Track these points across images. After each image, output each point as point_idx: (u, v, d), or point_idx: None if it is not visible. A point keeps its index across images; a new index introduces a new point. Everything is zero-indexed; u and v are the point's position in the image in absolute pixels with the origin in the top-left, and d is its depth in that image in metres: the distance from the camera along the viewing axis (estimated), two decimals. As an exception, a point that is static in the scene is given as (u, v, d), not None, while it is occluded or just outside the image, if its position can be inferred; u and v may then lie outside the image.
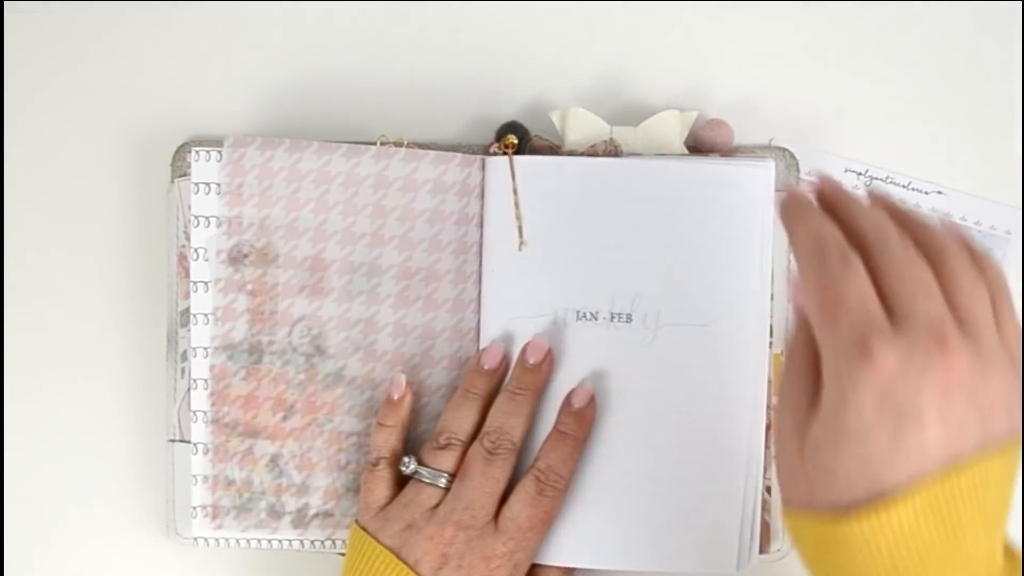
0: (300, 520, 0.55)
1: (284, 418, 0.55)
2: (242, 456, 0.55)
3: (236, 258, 0.55)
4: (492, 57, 0.59)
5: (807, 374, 0.39)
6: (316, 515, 0.55)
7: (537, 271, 0.54)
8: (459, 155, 0.55)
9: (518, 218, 0.54)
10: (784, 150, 0.57)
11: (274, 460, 0.55)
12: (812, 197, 0.41)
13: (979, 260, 0.39)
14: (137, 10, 0.59)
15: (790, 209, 0.40)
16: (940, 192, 0.59)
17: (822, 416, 0.37)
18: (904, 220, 0.39)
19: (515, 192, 0.54)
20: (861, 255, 0.38)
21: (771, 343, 0.55)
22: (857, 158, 0.59)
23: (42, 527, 0.59)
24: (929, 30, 0.59)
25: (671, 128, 0.56)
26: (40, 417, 0.59)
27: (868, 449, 0.35)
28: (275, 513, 0.55)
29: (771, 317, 0.54)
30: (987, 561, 0.37)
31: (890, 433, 0.35)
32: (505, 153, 0.54)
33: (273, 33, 0.59)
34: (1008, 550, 0.39)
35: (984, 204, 0.59)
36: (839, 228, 0.39)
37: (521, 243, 0.54)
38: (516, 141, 0.55)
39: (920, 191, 0.58)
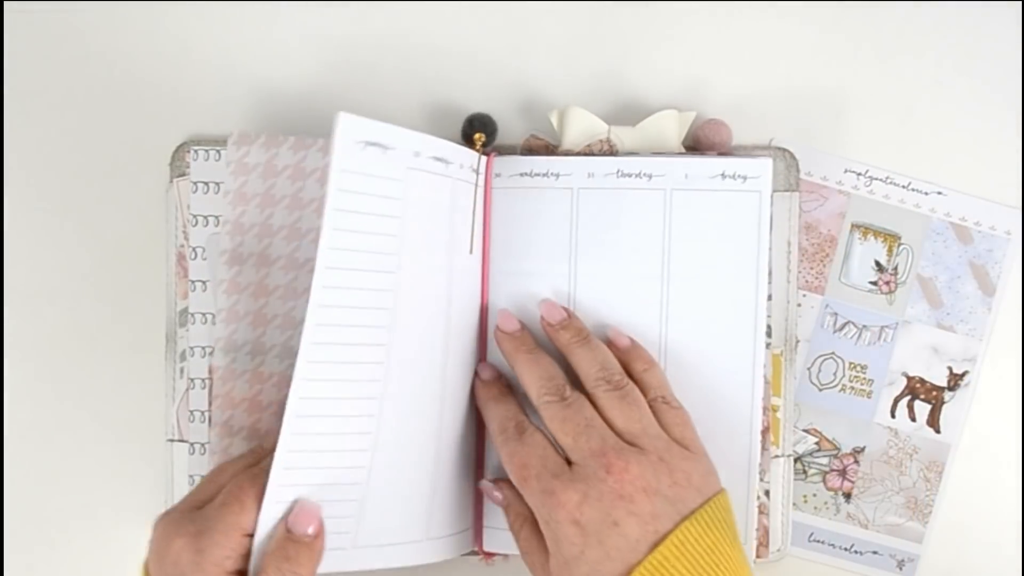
0: None
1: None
2: None
3: (239, 259, 0.55)
4: (491, 57, 0.59)
5: (534, 535, 0.49)
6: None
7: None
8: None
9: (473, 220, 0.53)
10: (784, 150, 0.57)
11: None
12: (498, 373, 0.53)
13: (643, 372, 0.51)
14: (136, 10, 0.60)
15: (479, 391, 0.53)
16: (940, 192, 0.58)
17: (553, 560, 0.46)
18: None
19: (478, 191, 0.53)
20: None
21: (768, 343, 0.55)
22: (857, 158, 0.59)
23: (42, 527, 0.59)
24: (929, 30, 0.59)
25: (669, 128, 0.55)
26: (39, 417, 0.59)
27: (591, 564, 0.44)
28: None
29: (769, 317, 0.54)
30: None
31: (598, 546, 0.44)
32: (478, 150, 0.54)
33: (271, 33, 0.59)
34: None
35: (984, 204, 0.58)
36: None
37: (471, 247, 0.53)
38: (485, 138, 0.54)
39: (920, 191, 0.58)
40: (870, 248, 0.58)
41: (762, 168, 0.53)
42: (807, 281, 0.58)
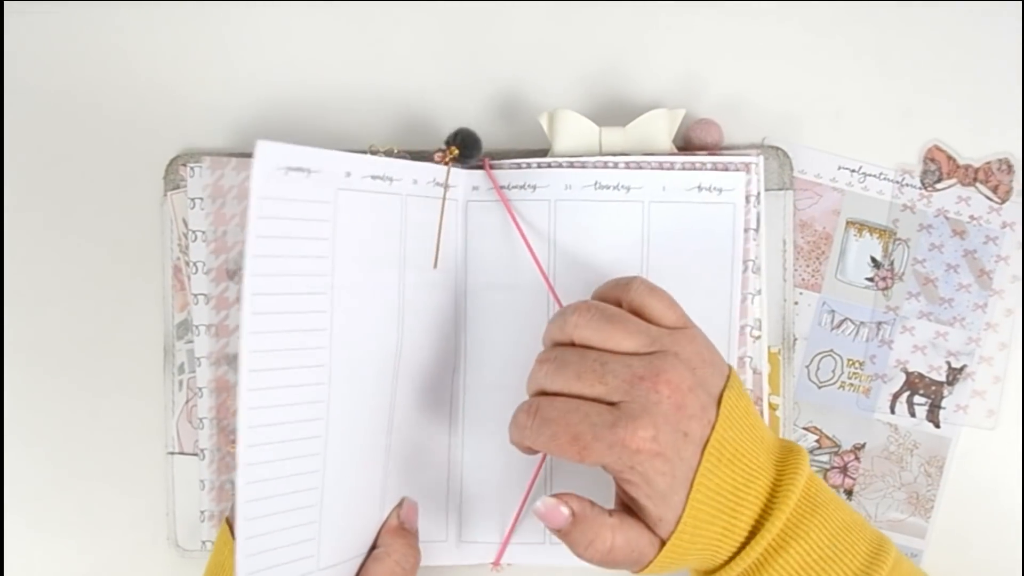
0: None
1: None
2: None
3: (227, 274, 0.56)
4: (480, 60, 0.59)
5: (628, 522, 0.46)
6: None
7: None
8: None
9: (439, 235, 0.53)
10: (777, 149, 0.57)
11: None
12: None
13: (611, 289, 0.49)
14: (130, 22, 0.60)
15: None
16: (934, 187, 0.58)
17: (649, 504, 0.44)
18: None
19: (442, 204, 0.53)
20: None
21: (759, 336, 0.55)
22: (850, 156, 0.58)
23: (42, 538, 0.59)
24: (924, 27, 0.59)
25: (660, 128, 0.55)
26: (39, 430, 0.59)
27: (681, 480, 0.44)
28: None
29: (765, 312, 0.54)
30: (768, 445, 0.47)
31: (680, 461, 0.44)
32: (445, 163, 0.53)
33: (265, 44, 0.60)
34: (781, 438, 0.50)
35: (978, 198, 0.58)
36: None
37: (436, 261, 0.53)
38: (456, 152, 0.54)
39: (913, 186, 0.58)
40: (865, 244, 0.58)
41: (736, 181, 0.54)
42: (803, 279, 0.58)
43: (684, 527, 0.44)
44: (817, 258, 0.58)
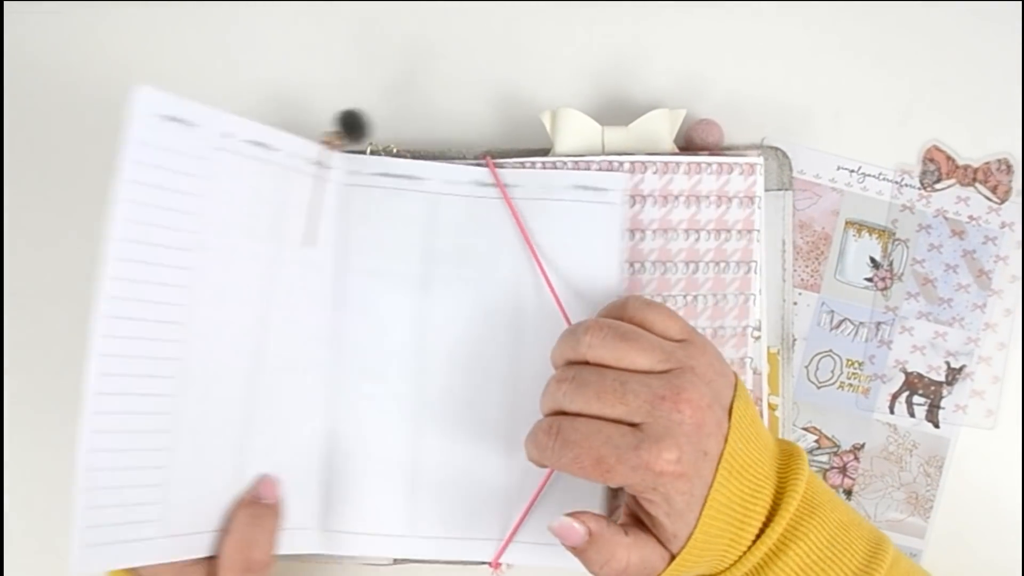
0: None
1: None
2: None
3: None
4: (482, 59, 0.59)
5: (641, 534, 0.46)
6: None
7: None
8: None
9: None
10: (776, 149, 0.57)
11: None
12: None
13: (607, 310, 0.49)
14: (130, 23, 0.59)
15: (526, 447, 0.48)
16: (934, 187, 0.58)
17: (665, 521, 0.45)
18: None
19: (327, 185, 0.53)
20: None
21: (757, 336, 0.55)
22: (850, 156, 0.59)
23: (43, 535, 0.59)
24: (923, 27, 0.59)
25: (661, 127, 0.55)
26: (40, 430, 0.59)
27: (697, 497, 0.44)
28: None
29: (764, 313, 0.54)
30: (771, 451, 0.47)
31: (699, 479, 0.44)
32: (328, 144, 0.53)
33: (265, 44, 0.59)
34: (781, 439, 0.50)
35: (978, 199, 0.58)
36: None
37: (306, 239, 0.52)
38: (341, 133, 0.54)
39: (912, 187, 0.58)
40: (864, 245, 0.58)
41: (617, 181, 0.54)
42: (802, 279, 0.59)
43: (695, 542, 0.44)
44: (816, 258, 0.59)
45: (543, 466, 0.46)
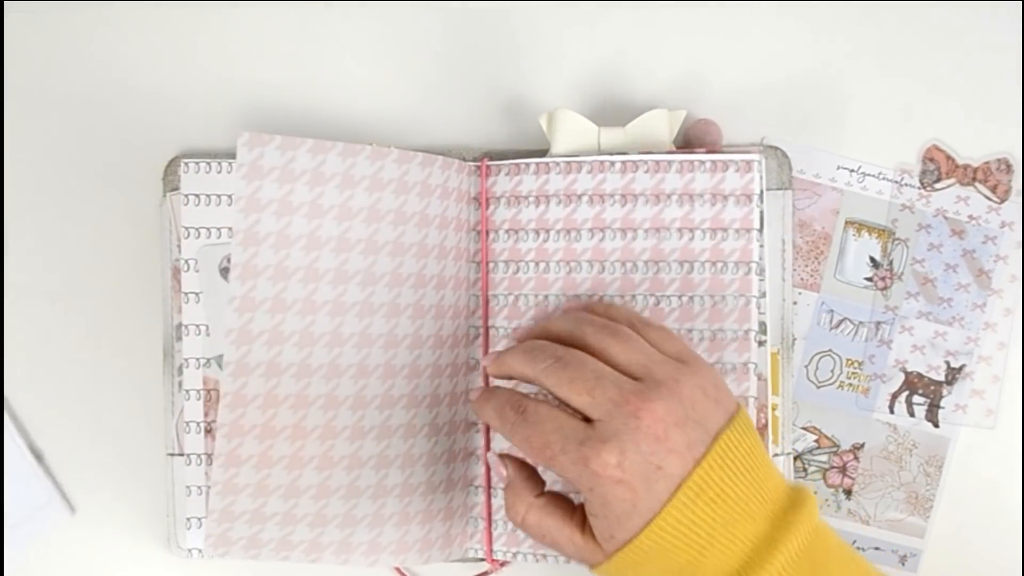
0: (314, 548, 0.53)
1: (302, 446, 0.52)
2: (255, 487, 0.52)
3: (252, 272, 0.51)
4: (479, 60, 0.59)
5: (553, 507, 0.48)
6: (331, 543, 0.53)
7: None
8: (441, 158, 0.54)
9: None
10: (776, 148, 0.57)
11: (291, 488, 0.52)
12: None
13: (606, 312, 0.50)
14: (129, 23, 0.60)
15: (473, 407, 0.50)
16: (933, 187, 0.58)
17: (598, 522, 0.45)
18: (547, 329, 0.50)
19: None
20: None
21: (762, 341, 0.54)
22: (849, 155, 0.59)
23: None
24: (923, 27, 0.59)
25: (660, 128, 0.55)
26: (40, 430, 0.59)
27: (642, 513, 0.43)
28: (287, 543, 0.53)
29: (765, 314, 0.54)
30: (768, 492, 0.45)
31: (647, 493, 0.43)
32: None
33: (265, 45, 0.60)
34: (792, 487, 0.46)
35: (978, 198, 0.58)
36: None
37: None
38: None
39: (912, 186, 0.58)
40: (864, 244, 0.58)
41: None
42: (802, 279, 0.58)
43: (633, 550, 0.44)
44: (816, 258, 0.59)
45: (497, 432, 0.48)
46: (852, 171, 0.58)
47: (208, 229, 0.56)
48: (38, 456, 0.59)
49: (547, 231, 0.55)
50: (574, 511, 0.48)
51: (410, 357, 0.54)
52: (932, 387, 0.58)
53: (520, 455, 0.50)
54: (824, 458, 0.58)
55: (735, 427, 0.45)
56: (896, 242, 0.58)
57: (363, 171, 0.52)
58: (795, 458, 0.58)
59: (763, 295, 0.54)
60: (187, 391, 0.56)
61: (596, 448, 0.43)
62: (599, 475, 0.43)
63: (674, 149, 0.56)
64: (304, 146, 0.51)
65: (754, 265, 0.54)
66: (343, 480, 0.52)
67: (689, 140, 0.56)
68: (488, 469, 0.55)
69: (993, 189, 0.58)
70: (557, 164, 0.55)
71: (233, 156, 0.52)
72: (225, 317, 0.51)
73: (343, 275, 0.52)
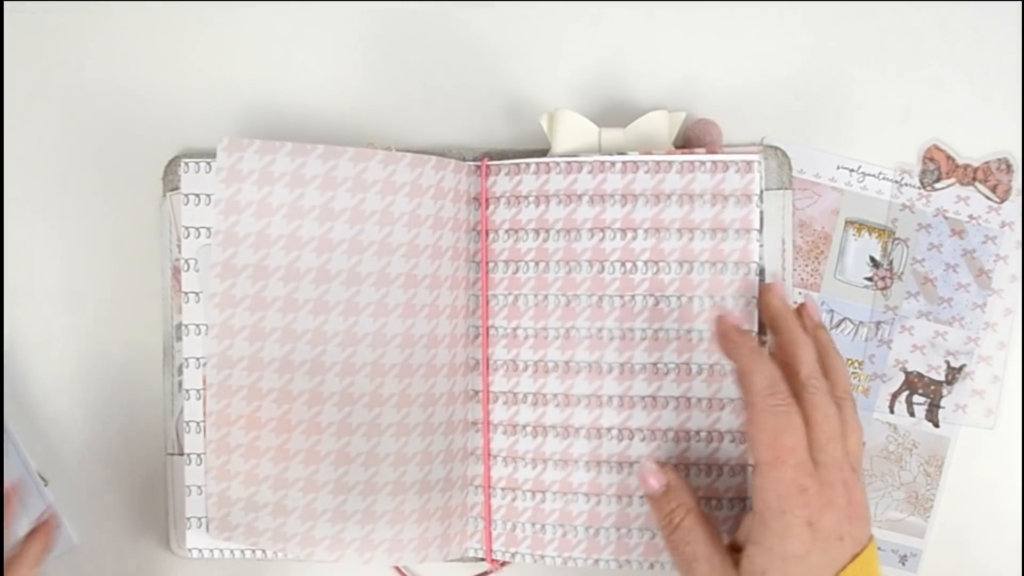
0: (308, 541, 0.54)
1: (287, 439, 0.53)
2: (245, 475, 0.54)
3: (232, 271, 0.53)
4: (480, 60, 0.59)
5: (700, 526, 0.48)
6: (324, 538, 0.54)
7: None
8: (434, 158, 0.54)
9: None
10: (776, 148, 0.57)
11: (279, 480, 0.53)
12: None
13: (827, 357, 0.50)
14: (129, 23, 0.60)
15: (731, 336, 0.50)
16: (933, 187, 0.58)
17: (758, 550, 0.45)
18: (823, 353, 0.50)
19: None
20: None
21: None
22: (849, 155, 0.59)
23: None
24: (923, 27, 0.59)
25: (660, 129, 0.55)
26: (40, 430, 0.59)
27: (811, 568, 0.45)
28: (281, 535, 0.54)
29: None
30: None
31: (823, 553, 0.45)
32: None
33: (264, 45, 0.60)
34: None
35: (977, 198, 0.58)
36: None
37: None
38: None
39: (912, 186, 0.58)
40: (864, 244, 0.58)
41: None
42: (802, 279, 0.58)
43: None
44: (816, 258, 0.59)
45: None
46: (852, 171, 0.58)
47: (208, 229, 0.56)
48: (44, 480, 0.59)
49: (547, 231, 0.55)
50: (717, 531, 0.49)
51: (401, 356, 0.54)
52: (932, 387, 0.58)
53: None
54: (824, 458, 0.58)
55: (866, 554, 0.46)
56: (896, 242, 0.58)
57: (345, 172, 0.53)
58: (795, 458, 0.58)
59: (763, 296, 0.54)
60: (187, 391, 0.56)
61: (816, 485, 0.45)
62: (803, 506, 0.45)
63: (674, 149, 0.56)
64: (283, 149, 0.53)
65: (754, 265, 0.54)
66: (330, 475, 0.53)
67: (689, 140, 0.56)
68: (488, 469, 0.55)
69: (993, 189, 0.58)
70: (557, 164, 0.55)
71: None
72: (207, 312, 0.53)
73: (325, 274, 0.53)
